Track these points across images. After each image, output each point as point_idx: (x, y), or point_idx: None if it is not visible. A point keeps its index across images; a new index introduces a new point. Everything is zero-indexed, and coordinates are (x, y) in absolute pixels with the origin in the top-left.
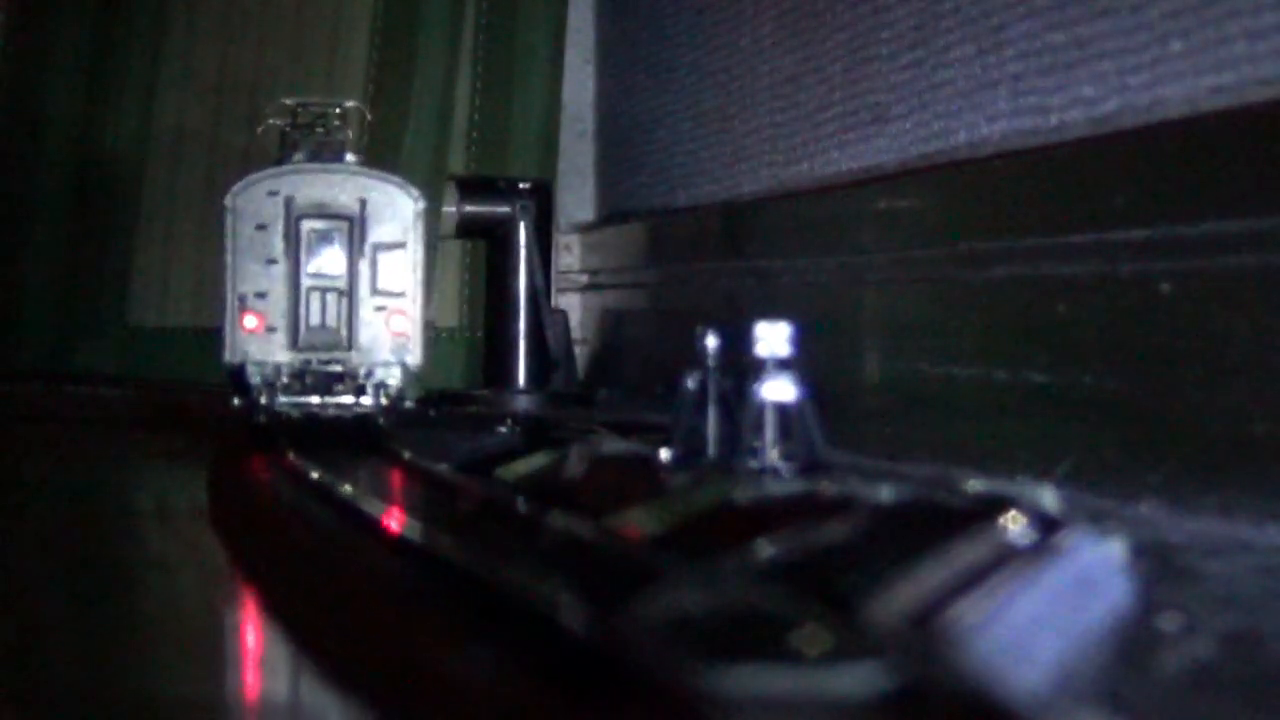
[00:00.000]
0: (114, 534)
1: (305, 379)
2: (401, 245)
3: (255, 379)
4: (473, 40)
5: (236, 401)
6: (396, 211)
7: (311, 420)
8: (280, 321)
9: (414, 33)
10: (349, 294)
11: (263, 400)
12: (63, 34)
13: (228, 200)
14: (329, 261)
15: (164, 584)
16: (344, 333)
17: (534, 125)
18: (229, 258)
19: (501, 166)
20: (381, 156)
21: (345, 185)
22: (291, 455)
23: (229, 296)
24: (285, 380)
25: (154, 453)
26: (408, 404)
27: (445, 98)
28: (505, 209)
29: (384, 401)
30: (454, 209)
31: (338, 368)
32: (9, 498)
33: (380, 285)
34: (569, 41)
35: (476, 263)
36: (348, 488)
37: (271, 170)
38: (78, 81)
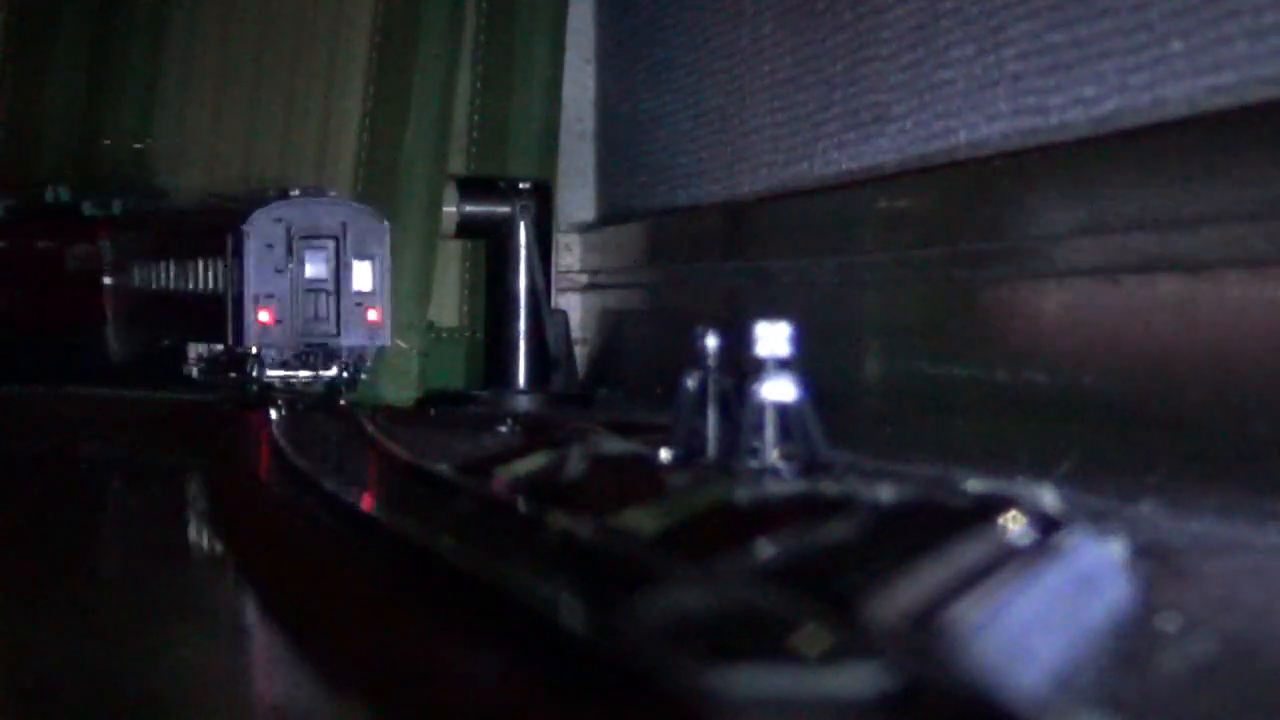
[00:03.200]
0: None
1: (305, 357)
2: (373, 257)
3: (268, 358)
4: (473, 40)
5: (232, 375)
6: (369, 232)
7: (289, 385)
8: (285, 315)
9: (414, 33)
10: (335, 294)
11: (254, 373)
12: (63, 37)
13: (245, 226)
14: (320, 270)
15: None
16: (332, 323)
17: (534, 125)
18: (247, 269)
19: (501, 166)
20: (381, 156)
21: (331, 212)
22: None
23: (246, 297)
24: (287, 359)
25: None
26: (363, 377)
27: (445, 98)
28: (505, 209)
29: (352, 372)
30: (454, 209)
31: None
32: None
33: (357, 287)
34: (569, 41)
35: (476, 263)
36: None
37: (277, 203)
38: (78, 82)
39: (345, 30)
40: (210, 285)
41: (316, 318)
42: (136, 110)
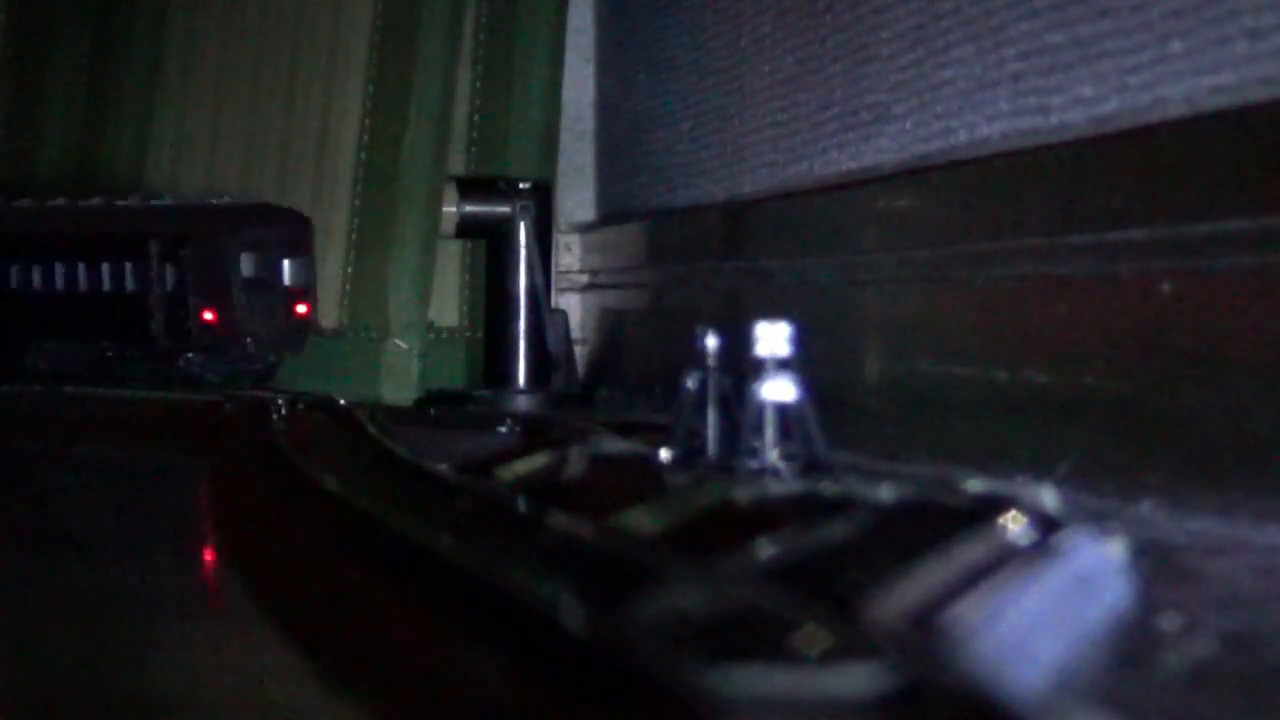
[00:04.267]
0: None
1: (240, 350)
2: (301, 254)
3: (210, 354)
4: (473, 40)
5: (158, 370)
6: (296, 231)
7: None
8: (225, 313)
9: (414, 33)
10: (268, 291)
11: (192, 370)
12: (62, 38)
13: (186, 232)
14: (253, 269)
15: None
16: (265, 318)
17: (534, 125)
18: (189, 272)
19: (501, 166)
20: (381, 156)
21: (262, 216)
22: None
23: (190, 298)
24: (227, 352)
25: None
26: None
27: (445, 98)
28: (505, 209)
29: (275, 362)
30: (454, 209)
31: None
32: None
33: (287, 283)
34: (569, 41)
35: (476, 263)
36: None
37: (212, 209)
38: (78, 83)
39: (345, 30)
40: (112, 286)
41: (252, 314)
42: (136, 111)
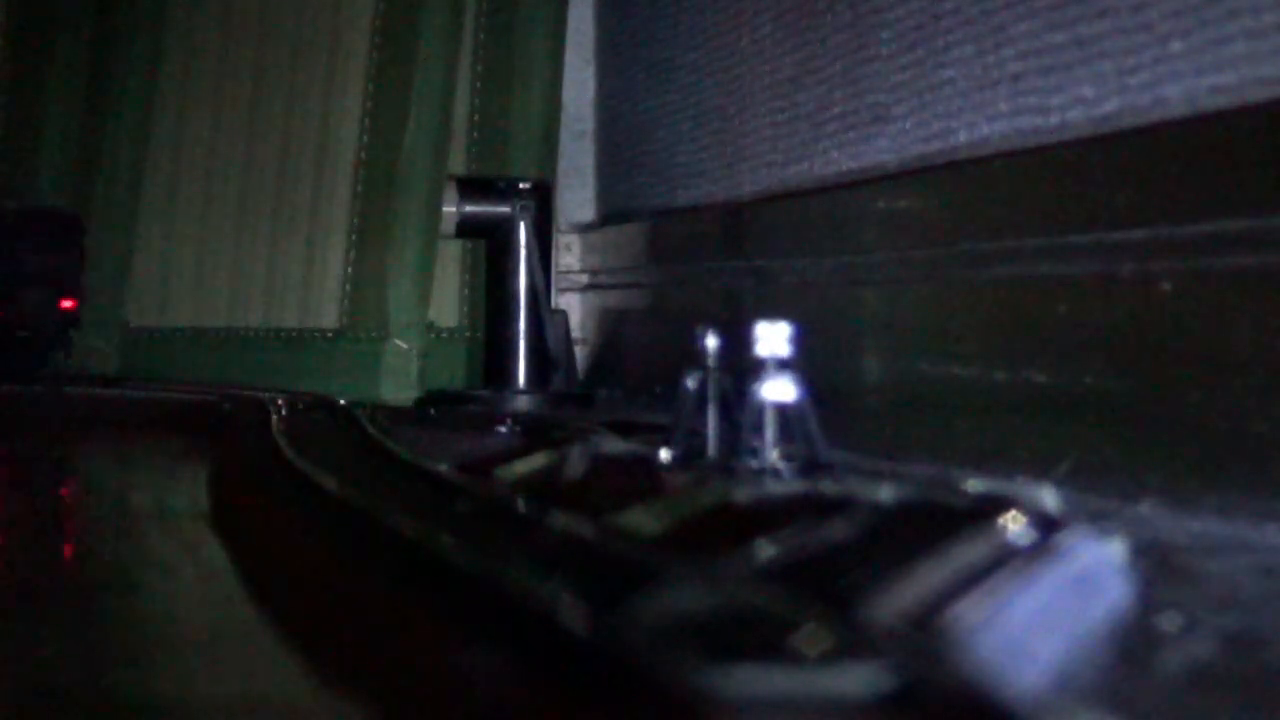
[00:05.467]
0: None
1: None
2: (67, 252)
3: None
4: (473, 40)
5: None
6: (64, 231)
7: None
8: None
9: (414, 33)
10: (38, 287)
11: None
12: (63, 38)
13: None
14: (21, 266)
15: None
16: (34, 312)
17: (534, 125)
18: None
19: (501, 166)
20: (381, 156)
21: (30, 215)
22: None
23: None
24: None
25: None
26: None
27: (445, 98)
28: (505, 209)
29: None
30: (454, 209)
31: None
32: None
33: (53, 280)
34: (569, 41)
35: (477, 263)
36: None
37: None
38: (78, 87)
39: (345, 30)
40: None
41: (21, 310)
42: (135, 113)
